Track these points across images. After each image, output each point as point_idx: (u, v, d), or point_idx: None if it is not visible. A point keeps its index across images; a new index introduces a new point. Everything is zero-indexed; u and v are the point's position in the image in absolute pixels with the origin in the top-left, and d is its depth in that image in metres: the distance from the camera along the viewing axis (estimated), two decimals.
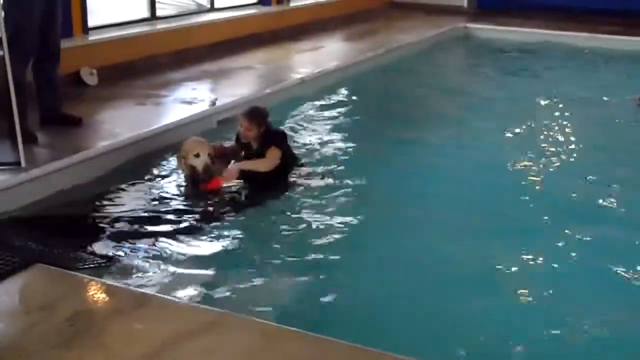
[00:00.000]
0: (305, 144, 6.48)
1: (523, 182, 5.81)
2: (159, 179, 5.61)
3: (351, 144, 6.54)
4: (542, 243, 4.74)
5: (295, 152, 6.03)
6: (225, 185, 5.42)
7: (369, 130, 7.14)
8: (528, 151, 6.50)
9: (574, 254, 4.59)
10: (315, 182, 5.65)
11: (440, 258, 4.51)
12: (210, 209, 5.13)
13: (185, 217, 4.98)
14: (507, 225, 5.00)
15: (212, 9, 10.11)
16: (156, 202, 5.22)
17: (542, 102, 8.32)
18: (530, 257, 4.57)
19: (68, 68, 6.88)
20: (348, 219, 5.09)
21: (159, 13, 9.13)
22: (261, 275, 4.25)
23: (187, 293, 4.00)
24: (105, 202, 5.16)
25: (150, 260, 4.37)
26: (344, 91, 8.42)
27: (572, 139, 6.98)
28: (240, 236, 4.79)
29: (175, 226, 4.85)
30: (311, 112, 7.56)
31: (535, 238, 4.81)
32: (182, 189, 5.44)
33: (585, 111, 8.01)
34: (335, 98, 8.14)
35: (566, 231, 4.90)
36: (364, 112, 7.73)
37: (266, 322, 3.43)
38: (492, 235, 4.83)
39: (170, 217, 4.97)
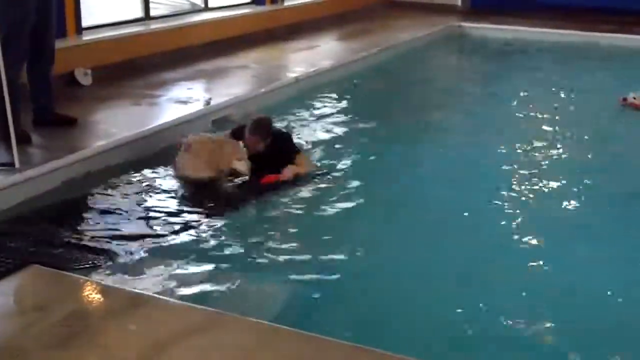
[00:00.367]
0: (299, 144, 6.47)
1: (515, 181, 5.84)
2: (154, 179, 5.60)
3: (345, 143, 6.54)
4: (540, 242, 4.76)
5: None
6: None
7: (363, 129, 7.14)
8: (518, 149, 6.58)
9: (573, 253, 4.61)
10: (310, 181, 5.65)
11: (437, 258, 4.51)
12: (210, 205, 5.14)
13: (181, 217, 4.98)
14: (503, 224, 5.02)
15: (206, 8, 10.11)
16: (151, 203, 5.21)
17: (534, 101, 8.35)
18: (532, 258, 4.57)
19: (62, 68, 6.86)
20: (342, 218, 5.10)
21: (153, 13, 9.12)
22: (256, 275, 4.25)
23: (182, 293, 3.99)
24: (99, 203, 5.15)
25: (146, 261, 4.36)
26: (338, 90, 8.41)
27: (558, 137, 7.00)
28: (235, 236, 4.78)
29: (170, 226, 4.84)
30: (305, 111, 7.55)
31: (532, 236, 4.83)
32: (177, 189, 5.43)
33: (572, 111, 8.01)
34: (329, 97, 8.13)
35: (561, 229, 4.93)
36: (358, 111, 7.72)
37: (262, 322, 3.43)
38: (484, 233, 4.86)
39: (165, 217, 4.96)
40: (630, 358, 3.60)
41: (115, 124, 6.31)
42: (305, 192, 5.48)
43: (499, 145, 6.73)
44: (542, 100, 8.39)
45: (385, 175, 5.97)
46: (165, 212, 5.03)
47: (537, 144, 6.78)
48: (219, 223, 4.91)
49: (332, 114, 7.52)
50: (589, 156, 6.38)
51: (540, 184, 5.78)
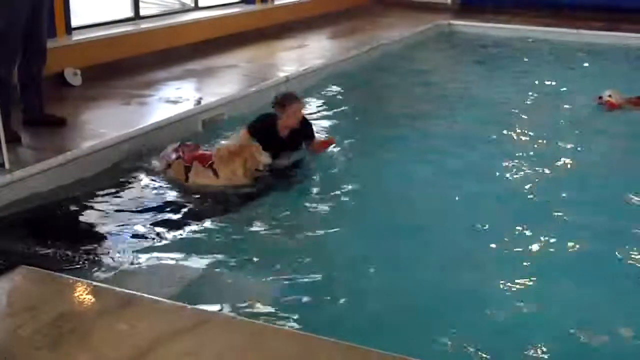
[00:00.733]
0: None
1: (503, 179, 5.89)
2: (144, 179, 5.59)
3: (336, 142, 6.53)
4: (533, 240, 4.78)
5: None
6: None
7: (354, 128, 7.15)
8: (504, 147, 6.65)
9: (567, 252, 4.63)
10: (300, 180, 5.65)
11: (434, 258, 4.52)
12: (200, 206, 5.14)
13: (170, 217, 4.97)
14: (500, 223, 5.04)
15: (196, 7, 10.10)
16: (141, 203, 5.21)
17: (521, 99, 8.38)
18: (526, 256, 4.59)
19: (52, 68, 6.84)
20: (333, 217, 5.10)
21: (142, 12, 9.10)
22: (247, 275, 4.25)
23: (173, 293, 3.98)
24: (89, 203, 5.15)
25: (136, 261, 4.36)
26: (329, 89, 8.42)
27: (539, 135, 7.03)
28: (226, 236, 4.77)
29: (160, 227, 4.83)
30: None
31: (527, 236, 4.85)
32: (166, 189, 5.43)
33: (554, 109, 8.04)
34: (320, 96, 8.13)
35: (555, 229, 4.95)
36: (348, 109, 7.73)
37: (253, 322, 3.43)
38: (479, 232, 4.87)
39: (155, 217, 4.96)
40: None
41: (105, 124, 6.29)
42: (294, 193, 5.49)
43: (486, 144, 6.77)
44: (531, 97, 8.44)
45: (374, 173, 5.99)
46: (155, 213, 5.03)
47: (519, 141, 6.85)
48: (208, 224, 4.91)
49: (323, 112, 7.52)
50: (575, 162, 6.37)
51: (514, 185, 5.81)
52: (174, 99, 7.16)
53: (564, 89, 8.92)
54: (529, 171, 6.03)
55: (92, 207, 5.08)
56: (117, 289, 3.88)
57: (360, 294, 4.11)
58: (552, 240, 4.74)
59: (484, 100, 8.36)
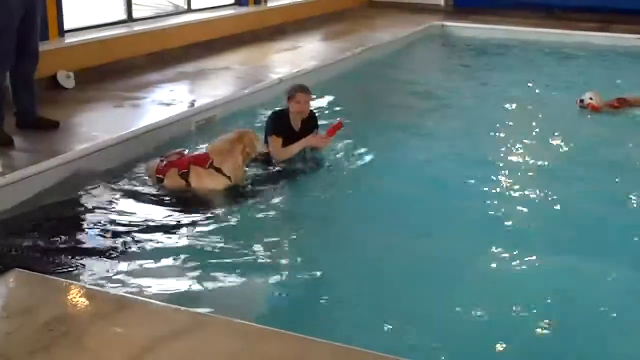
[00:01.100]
0: None
1: (493, 178, 5.91)
2: (137, 181, 5.57)
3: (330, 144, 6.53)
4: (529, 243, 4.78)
5: None
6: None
7: (347, 129, 7.13)
8: (494, 147, 6.70)
9: (564, 253, 4.63)
10: (293, 182, 5.64)
11: (431, 258, 4.51)
12: (193, 208, 5.13)
13: (164, 220, 4.95)
14: (496, 223, 5.07)
15: (189, 10, 10.08)
16: (134, 205, 5.18)
17: (513, 100, 8.38)
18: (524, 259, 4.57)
19: (44, 71, 6.83)
20: (328, 217, 5.10)
21: (135, 15, 9.08)
22: (242, 276, 4.23)
23: (167, 295, 3.97)
24: (83, 206, 5.12)
25: (130, 263, 4.34)
26: (322, 91, 8.40)
27: (524, 135, 7.06)
28: (220, 238, 4.75)
29: (154, 229, 4.81)
30: None
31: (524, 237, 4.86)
32: (160, 192, 5.40)
33: (541, 110, 8.03)
34: (313, 97, 8.11)
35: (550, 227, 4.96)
36: (342, 111, 7.72)
37: (248, 323, 3.42)
38: (475, 231, 4.89)
39: (149, 220, 4.94)
40: None
41: (98, 126, 6.27)
42: (288, 194, 5.48)
43: (478, 144, 6.82)
44: (521, 99, 8.45)
45: (368, 174, 5.98)
46: (149, 216, 5.01)
47: (507, 142, 6.88)
48: (202, 226, 4.89)
49: (316, 113, 7.49)
50: (561, 166, 6.36)
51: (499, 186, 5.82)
52: (167, 101, 7.14)
53: (557, 89, 8.93)
54: (515, 173, 6.07)
55: (85, 210, 5.06)
56: (112, 291, 3.88)
57: (360, 296, 4.09)
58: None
59: (475, 100, 8.43)
